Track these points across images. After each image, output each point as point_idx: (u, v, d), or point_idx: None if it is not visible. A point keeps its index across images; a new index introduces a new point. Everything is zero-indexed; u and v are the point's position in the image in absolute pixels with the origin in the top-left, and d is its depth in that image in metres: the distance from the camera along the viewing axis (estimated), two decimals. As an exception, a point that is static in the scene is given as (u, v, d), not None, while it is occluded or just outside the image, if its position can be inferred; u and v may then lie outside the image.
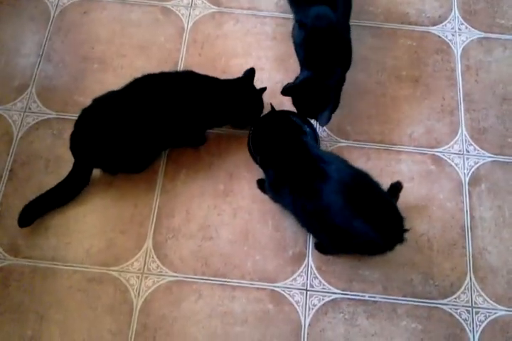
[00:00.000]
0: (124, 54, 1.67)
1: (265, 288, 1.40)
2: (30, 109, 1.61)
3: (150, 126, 1.36)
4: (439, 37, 1.73)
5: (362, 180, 1.25)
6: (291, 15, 1.67)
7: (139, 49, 1.68)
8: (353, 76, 1.58)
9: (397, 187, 1.34)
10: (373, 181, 1.26)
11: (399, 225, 1.21)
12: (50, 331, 1.35)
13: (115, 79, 1.41)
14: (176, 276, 1.40)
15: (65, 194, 1.45)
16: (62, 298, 1.39)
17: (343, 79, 1.44)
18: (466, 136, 1.59)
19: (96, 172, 1.50)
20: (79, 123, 1.39)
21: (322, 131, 1.57)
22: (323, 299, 1.39)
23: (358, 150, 1.56)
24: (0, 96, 1.63)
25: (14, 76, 1.65)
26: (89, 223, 1.47)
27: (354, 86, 1.60)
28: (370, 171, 1.48)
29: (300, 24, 1.45)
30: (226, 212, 1.46)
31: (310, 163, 1.27)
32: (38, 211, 1.43)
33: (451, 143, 1.58)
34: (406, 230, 1.21)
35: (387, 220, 1.20)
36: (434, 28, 1.74)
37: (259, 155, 1.40)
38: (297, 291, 1.39)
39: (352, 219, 1.19)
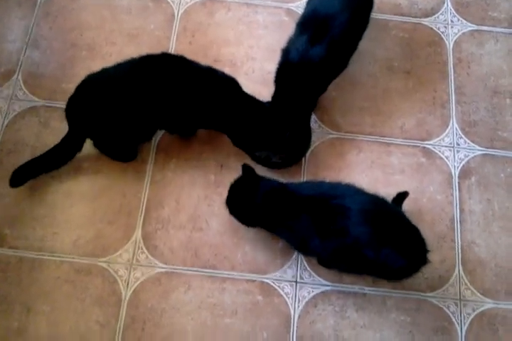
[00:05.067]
0: (114, 41, 1.64)
1: (255, 280, 1.39)
2: (16, 96, 1.58)
3: (147, 106, 1.33)
4: (431, 29, 1.72)
5: (381, 206, 1.24)
6: (283, 5, 1.67)
7: (129, 36, 1.65)
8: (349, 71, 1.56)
9: (403, 196, 1.35)
10: (391, 205, 1.27)
11: (423, 248, 1.21)
12: (37, 322, 1.33)
13: (103, 67, 1.37)
14: (165, 268, 1.39)
15: (58, 158, 1.42)
16: (49, 289, 1.37)
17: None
18: (456, 129, 1.59)
19: (84, 161, 1.48)
20: (80, 89, 1.36)
21: (314, 122, 1.56)
22: (312, 291, 1.38)
23: (349, 142, 1.56)
24: None
25: (0, 62, 1.62)
26: (77, 213, 1.45)
27: (346, 77, 1.57)
28: (361, 163, 1.52)
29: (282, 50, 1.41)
30: (216, 202, 1.45)
31: (321, 205, 1.22)
32: (30, 172, 1.42)
33: (442, 135, 1.58)
34: (428, 251, 1.22)
35: (412, 245, 1.20)
36: (427, 19, 1.74)
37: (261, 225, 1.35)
38: (287, 283, 1.39)
39: (380, 248, 1.17)
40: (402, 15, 1.74)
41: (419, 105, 1.62)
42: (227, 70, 1.52)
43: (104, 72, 1.35)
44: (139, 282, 1.38)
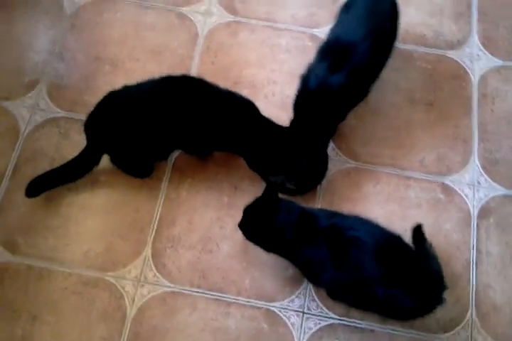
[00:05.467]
0: (137, 57, 1.66)
1: (261, 307, 1.38)
2: (38, 106, 1.59)
3: (165, 127, 1.34)
4: (457, 62, 1.69)
5: (397, 243, 1.22)
6: (307, 30, 1.67)
7: (152, 53, 1.66)
8: (371, 98, 1.55)
9: (420, 230, 1.32)
10: (406, 242, 1.24)
11: (437, 289, 1.18)
12: (42, 332, 1.34)
13: (125, 82, 1.38)
14: (172, 287, 1.39)
15: (75, 171, 1.44)
16: (56, 299, 1.37)
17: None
18: (478, 167, 1.55)
19: (101, 175, 1.49)
20: (100, 105, 1.37)
21: (331, 149, 1.55)
22: (319, 323, 1.36)
23: (367, 172, 1.53)
24: (10, 91, 1.62)
25: (25, 71, 1.64)
26: (90, 226, 1.45)
27: (367, 106, 1.58)
28: (377, 195, 1.49)
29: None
30: (229, 225, 1.44)
31: (338, 235, 1.20)
32: (47, 184, 1.44)
33: (462, 172, 1.54)
34: (446, 288, 1.20)
35: (423, 287, 1.16)
36: (452, 52, 1.71)
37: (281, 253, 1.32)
38: (293, 313, 1.37)
39: (390, 288, 1.15)
40: (427, 46, 1.71)
41: (440, 139, 1.58)
42: (246, 92, 1.53)
43: (125, 91, 1.36)
44: (144, 299, 1.38)
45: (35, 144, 1.55)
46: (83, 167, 1.44)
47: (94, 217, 1.47)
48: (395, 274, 1.15)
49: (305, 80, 1.35)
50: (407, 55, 1.68)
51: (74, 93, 1.61)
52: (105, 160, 1.46)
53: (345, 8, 1.41)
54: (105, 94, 1.38)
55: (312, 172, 1.43)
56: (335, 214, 1.27)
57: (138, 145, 1.37)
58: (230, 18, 1.71)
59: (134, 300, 1.38)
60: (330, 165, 1.50)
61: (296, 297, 1.39)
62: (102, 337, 1.34)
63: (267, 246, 1.29)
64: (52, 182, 1.44)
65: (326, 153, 1.48)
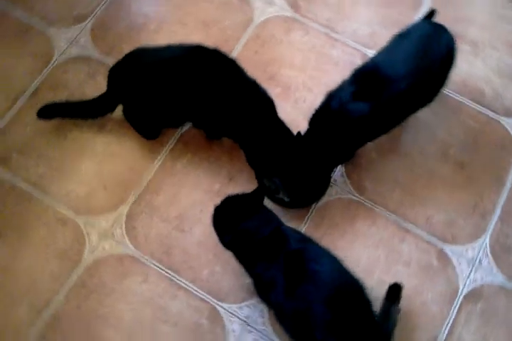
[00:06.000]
0: (185, 23, 1.65)
1: (208, 302, 1.36)
2: (78, 41, 1.61)
3: (182, 95, 1.33)
4: (507, 131, 1.55)
5: (355, 295, 1.14)
6: (362, 49, 1.63)
7: (201, 24, 1.65)
8: (399, 133, 1.52)
9: (398, 290, 1.28)
10: (366, 297, 1.16)
11: None
12: (1, 250, 1.39)
13: (165, 43, 1.37)
14: (134, 252, 1.40)
15: (89, 110, 1.46)
16: (26, 225, 1.41)
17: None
18: (486, 246, 1.43)
19: (110, 123, 1.52)
20: (127, 58, 1.38)
21: (341, 175, 1.49)
22: (258, 340, 1.33)
23: (367, 210, 1.46)
24: (58, 18, 1.64)
25: (79, 4, 1.65)
26: (82, 168, 1.48)
27: (395, 144, 1.52)
28: (369, 237, 1.43)
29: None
30: (209, 211, 1.38)
31: (300, 262, 1.14)
32: (59, 111, 1.47)
33: (467, 246, 1.43)
34: None
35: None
36: (506, 119, 1.56)
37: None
38: (238, 320, 1.34)
39: (332, 337, 1.09)
40: (482, 104, 1.58)
41: (458, 204, 1.47)
42: (279, 91, 1.53)
43: (155, 50, 1.36)
44: (104, 254, 1.40)
45: (62, 75, 1.57)
46: (97, 109, 1.46)
47: (89, 161, 1.49)
48: (341, 324, 1.09)
49: (329, 98, 1.31)
50: (456, 105, 1.58)
51: (115, 39, 1.61)
52: (119, 111, 1.47)
53: (399, 38, 1.35)
54: (135, 49, 1.38)
55: (309, 189, 1.40)
56: (308, 241, 1.21)
57: (151, 106, 1.37)
58: (290, 13, 1.67)
59: (93, 251, 1.40)
60: (333, 190, 1.47)
61: (247, 306, 1.36)
62: (52, 272, 1.38)
63: (221, 240, 1.23)
64: (65, 112, 1.47)
65: (330, 175, 1.44)
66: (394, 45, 1.33)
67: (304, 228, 1.44)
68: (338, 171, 1.49)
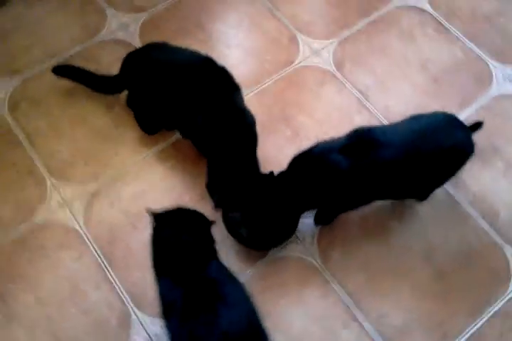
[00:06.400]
0: (230, 45, 1.72)
1: (126, 305, 1.33)
2: (127, 27, 1.73)
3: (175, 100, 1.36)
4: (507, 261, 1.44)
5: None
6: (381, 119, 1.62)
7: (245, 50, 1.72)
8: (389, 219, 1.47)
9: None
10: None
11: None
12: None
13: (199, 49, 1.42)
14: (81, 229, 1.42)
15: (99, 84, 1.53)
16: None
17: None
18: None
19: (117, 105, 1.58)
20: (142, 50, 1.45)
21: (311, 234, 1.44)
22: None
23: (323, 281, 1.38)
24: (120, 2, 1.77)
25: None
26: (76, 138, 1.55)
27: (381, 227, 1.46)
28: (312, 309, 1.34)
29: None
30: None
31: (206, 291, 1.07)
32: (73, 74, 1.54)
33: None
34: None
35: None
36: (511, 249, 1.46)
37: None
38: (144, 334, 1.31)
39: None
40: (491, 225, 1.48)
41: (421, 314, 1.36)
42: (287, 133, 1.57)
43: (171, 50, 1.42)
44: (54, 220, 1.43)
45: (98, 51, 1.68)
46: (106, 86, 1.53)
47: (84, 133, 1.56)
48: None
49: (316, 145, 1.29)
50: (463, 215, 1.49)
51: (160, 36, 1.68)
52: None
53: (410, 118, 1.33)
54: (157, 42, 1.45)
55: (270, 231, 1.32)
56: (232, 279, 1.12)
57: (149, 101, 1.42)
58: (332, 69, 1.71)
59: (47, 213, 1.44)
60: (297, 248, 1.41)
61: (160, 324, 1.30)
62: (2, 217, 1.43)
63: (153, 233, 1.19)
64: (77, 76, 1.53)
65: (295, 223, 1.35)
66: (401, 122, 1.33)
67: (248, 272, 1.39)
68: (312, 231, 1.44)
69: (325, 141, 1.29)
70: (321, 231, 1.45)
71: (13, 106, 1.58)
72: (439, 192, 1.48)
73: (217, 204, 1.34)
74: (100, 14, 1.73)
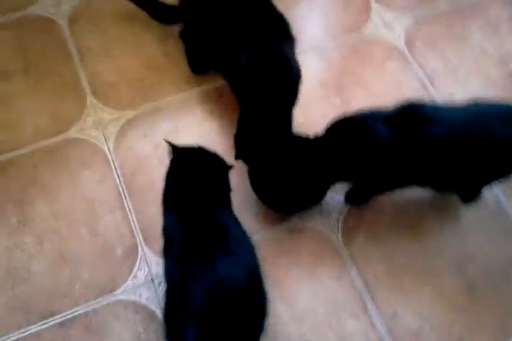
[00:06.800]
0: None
1: (136, 239, 1.32)
2: None
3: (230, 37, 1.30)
4: None
5: (248, 303, 0.99)
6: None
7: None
8: (426, 216, 1.37)
9: None
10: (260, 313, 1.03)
11: None
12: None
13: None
14: (108, 153, 1.42)
15: (157, 11, 1.51)
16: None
17: None
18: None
19: (170, 40, 1.55)
20: None
21: (338, 211, 1.37)
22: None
23: (340, 262, 1.31)
24: None
25: None
26: (125, 62, 1.54)
27: (415, 224, 1.36)
28: (323, 288, 1.26)
29: None
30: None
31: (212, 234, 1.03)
32: None
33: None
34: None
35: None
36: None
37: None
38: (146, 271, 1.29)
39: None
40: None
41: (441, 322, 1.26)
42: (337, 101, 1.51)
43: None
44: (85, 138, 1.43)
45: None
46: (166, 15, 1.50)
47: (135, 59, 1.54)
48: (213, 321, 0.95)
49: (359, 112, 1.20)
50: (510, 230, 1.37)
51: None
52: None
53: (471, 103, 1.21)
54: None
55: (293, 194, 1.25)
56: (239, 228, 1.08)
57: (199, 35, 1.37)
58: (400, 45, 1.61)
59: (80, 130, 1.44)
60: (320, 222, 1.35)
61: (138, 269, 1.29)
62: (38, 125, 1.43)
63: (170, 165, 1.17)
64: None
65: (322, 195, 1.27)
66: (459, 104, 1.22)
67: (262, 233, 1.34)
68: (341, 208, 1.37)
69: (370, 109, 1.19)
70: (351, 210, 1.37)
71: (73, 21, 1.58)
72: (488, 198, 1.39)
73: (238, 156, 1.28)
74: None
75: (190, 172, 1.12)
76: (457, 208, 1.39)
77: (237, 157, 1.28)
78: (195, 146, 1.17)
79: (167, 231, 1.08)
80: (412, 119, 1.15)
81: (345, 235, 1.34)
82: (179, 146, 1.16)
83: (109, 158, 1.42)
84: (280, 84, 1.23)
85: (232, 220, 1.09)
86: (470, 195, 1.37)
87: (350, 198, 1.37)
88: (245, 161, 1.28)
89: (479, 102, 1.20)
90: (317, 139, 1.23)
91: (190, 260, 0.99)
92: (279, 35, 1.28)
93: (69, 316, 1.24)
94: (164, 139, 1.18)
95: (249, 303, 0.99)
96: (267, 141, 1.23)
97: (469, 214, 1.38)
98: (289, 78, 1.25)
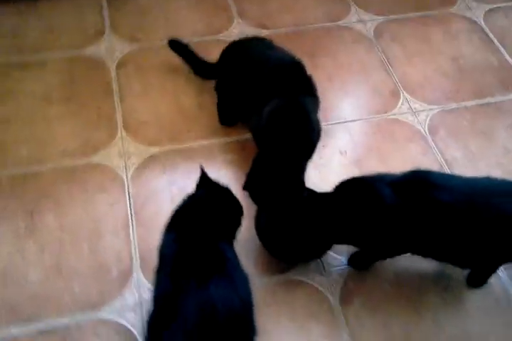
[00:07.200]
0: (332, 79, 1.81)
1: (128, 263, 1.35)
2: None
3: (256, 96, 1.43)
4: None
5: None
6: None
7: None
8: (430, 294, 1.34)
9: None
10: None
11: None
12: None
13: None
14: (126, 182, 1.50)
15: (200, 67, 1.68)
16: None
17: None
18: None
19: (204, 93, 1.70)
20: (241, 43, 1.58)
21: (339, 272, 1.37)
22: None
23: (334, 322, 1.28)
24: None
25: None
26: (158, 107, 1.67)
27: (417, 298, 1.33)
28: None
29: None
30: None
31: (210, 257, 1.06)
32: (181, 50, 1.68)
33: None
34: None
35: None
36: None
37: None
38: (131, 311, 1.28)
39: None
40: None
41: None
42: (355, 173, 1.50)
43: (268, 46, 1.54)
44: (105, 163, 1.53)
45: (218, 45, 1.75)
46: (205, 71, 1.67)
47: (167, 105, 1.68)
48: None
49: (371, 176, 1.26)
50: None
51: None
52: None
53: (480, 177, 1.24)
54: (261, 38, 1.61)
55: (293, 244, 1.27)
56: (238, 261, 1.11)
57: (231, 88, 1.52)
58: (423, 130, 1.67)
59: (105, 155, 1.54)
60: (318, 278, 1.35)
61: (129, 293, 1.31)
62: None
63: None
64: (186, 54, 1.68)
65: (323, 250, 1.30)
66: (469, 177, 1.25)
67: (257, 280, 1.34)
68: (341, 269, 1.37)
69: (378, 173, 1.25)
70: (351, 273, 1.37)
71: (121, 64, 1.76)
72: (495, 284, 1.37)
73: (246, 187, 1.34)
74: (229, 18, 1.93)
75: (205, 201, 1.19)
76: (462, 290, 1.36)
77: (245, 188, 1.34)
78: (223, 185, 1.24)
79: (163, 247, 1.12)
80: (416, 185, 1.19)
81: (343, 297, 1.33)
82: (209, 176, 1.24)
83: (126, 185, 1.49)
84: (298, 136, 1.32)
85: (232, 252, 1.13)
86: (477, 278, 1.36)
87: (353, 262, 1.39)
88: (253, 199, 1.35)
89: (489, 177, 1.23)
90: (325, 194, 1.27)
91: (185, 282, 1.00)
92: (303, 91, 1.40)
93: (50, 325, 1.24)
94: (200, 166, 1.26)
95: (239, 328, 0.99)
96: (277, 186, 1.29)
97: (473, 298, 1.35)
98: (307, 131, 1.34)
